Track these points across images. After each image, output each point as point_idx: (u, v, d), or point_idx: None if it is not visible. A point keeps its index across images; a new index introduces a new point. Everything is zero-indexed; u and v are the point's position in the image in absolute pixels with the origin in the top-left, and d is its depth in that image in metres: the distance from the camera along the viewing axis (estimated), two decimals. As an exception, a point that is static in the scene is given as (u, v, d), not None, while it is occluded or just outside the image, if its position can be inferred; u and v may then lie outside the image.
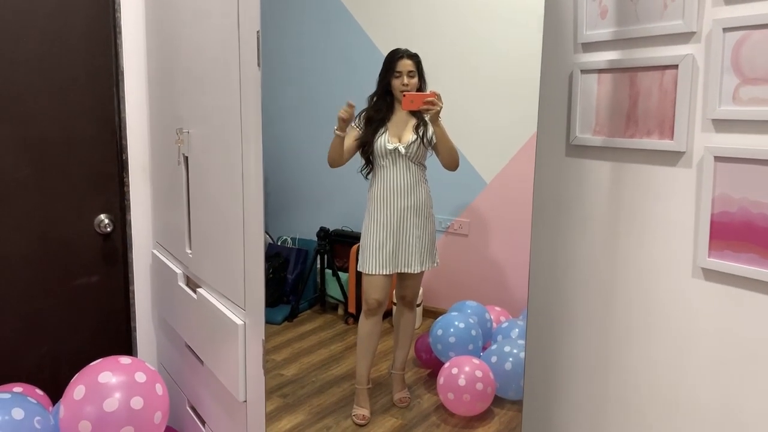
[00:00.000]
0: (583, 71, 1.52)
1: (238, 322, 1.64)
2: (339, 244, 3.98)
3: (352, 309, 3.83)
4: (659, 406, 1.41)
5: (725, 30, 1.24)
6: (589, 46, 1.51)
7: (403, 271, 2.71)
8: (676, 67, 1.33)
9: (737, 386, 1.27)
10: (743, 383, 1.26)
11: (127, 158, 2.28)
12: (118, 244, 2.30)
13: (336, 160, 2.61)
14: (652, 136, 1.39)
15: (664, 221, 1.38)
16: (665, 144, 1.36)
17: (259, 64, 1.46)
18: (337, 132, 2.54)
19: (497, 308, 3.29)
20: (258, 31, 1.45)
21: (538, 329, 1.69)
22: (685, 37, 1.31)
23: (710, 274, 1.30)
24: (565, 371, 1.62)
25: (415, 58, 2.65)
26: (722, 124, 1.26)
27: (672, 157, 1.35)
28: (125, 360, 1.79)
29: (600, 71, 1.49)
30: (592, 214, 1.52)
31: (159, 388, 1.77)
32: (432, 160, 2.73)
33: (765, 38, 1.19)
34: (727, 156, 1.25)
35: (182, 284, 2.06)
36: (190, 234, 1.99)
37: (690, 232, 1.33)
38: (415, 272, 2.72)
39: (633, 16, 1.41)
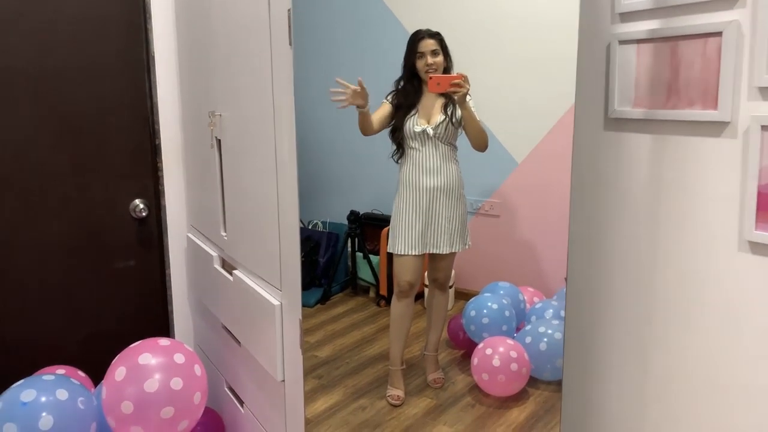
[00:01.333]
0: (621, 42, 1.48)
1: (275, 302, 1.64)
2: (369, 227, 3.98)
3: (383, 291, 3.84)
4: (704, 386, 1.38)
5: (773, -7, 1.20)
6: (627, 16, 1.47)
7: (432, 252, 2.70)
8: (720, 34, 1.29)
9: (786, 362, 1.24)
10: (793, 358, 1.23)
11: (160, 143, 2.30)
12: (153, 229, 2.33)
13: (365, 131, 2.60)
14: (694, 106, 1.35)
15: (708, 194, 1.34)
16: (709, 114, 1.32)
17: (290, 43, 1.45)
18: (359, 110, 2.50)
19: (530, 289, 3.27)
20: (289, 9, 1.44)
21: (577, 308, 1.66)
22: (729, 2, 1.27)
23: (758, 247, 1.26)
24: (605, 350, 1.60)
25: (436, 37, 2.61)
26: (770, 92, 1.22)
27: (716, 128, 1.31)
28: (164, 342, 1.81)
29: (639, 42, 1.45)
30: (633, 188, 1.49)
31: (198, 369, 1.79)
32: (463, 141, 2.70)
33: (815, 1, 1.14)
34: (775, 125, 1.21)
35: (218, 266, 2.08)
36: (225, 217, 2.00)
37: (735, 204, 1.29)
38: (445, 253, 2.70)
39: (674, -17, 1.36)
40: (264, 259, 1.72)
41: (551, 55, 3.20)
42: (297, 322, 1.55)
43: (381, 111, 2.65)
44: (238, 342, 1.95)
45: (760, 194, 1.25)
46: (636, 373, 1.53)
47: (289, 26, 1.45)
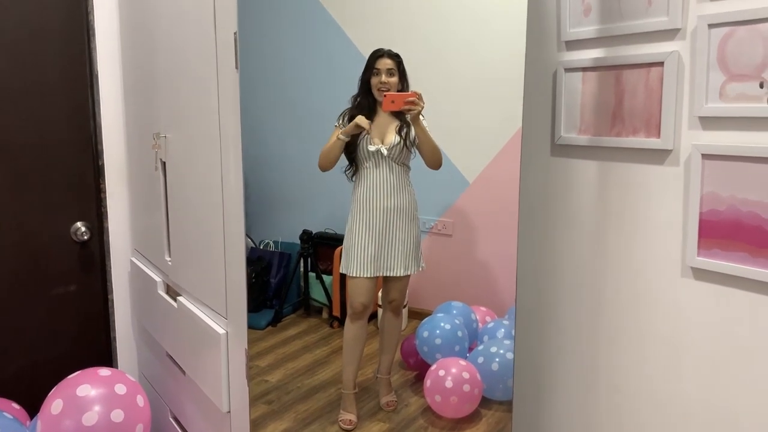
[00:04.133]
0: (567, 70, 1.50)
1: (220, 331, 1.60)
2: (322, 247, 3.93)
3: (336, 312, 3.79)
4: (650, 407, 1.40)
5: (710, 26, 1.23)
6: (573, 44, 1.49)
7: (387, 275, 2.68)
8: (661, 64, 1.31)
9: (728, 386, 1.26)
10: (734, 383, 1.25)
11: (103, 164, 2.23)
12: (95, 252, 2.25)
13: (329, 164, 2.58)
14: (638, 134, 1.37)
15: (652, 220, 1.36)
16: (652, 142, 1.34)
17: (237, 66, 1.43)
18: (341, 137, 2.50)
19: (483, 308, 3.27)
20: (235, 33, 1.42)
21: (526, 330, 1.66)
22: (670, 33, 1.30)
23: (700, 273, 1.29)
24: (555, 372, 1.61)
25: (395, 58, 2.62)
26: (709, 122, 1.25)
27: (659, 156, 1.33)
28: (104, 372, 1.75)
29: (584, 69, 1.47)
30: (580, 214, 1.50)
31: (140, 400, 1.73)
32: (414, 161, 2.70)
33: (750, 34, 1.18)
34: (714, 153, 1.24)
35: (162, 293, 2.01)
36: (170, 241, 1.94)
37: (679, 230, 1.31)
38: (400, 275, 2.69)
39: (617, 13, 1.39)
40: (209, 286, 1.68)
41: (501, 78, 3.24)
42: (243, 351, 1.51)
43: (334, 137, 2.64)
44: (183, 371, 1.88)
45: (701, 221, 1.28)
46: (585, 393, 1.54)
47: (236, 49, 1.43)
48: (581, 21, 1.47)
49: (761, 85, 1.17)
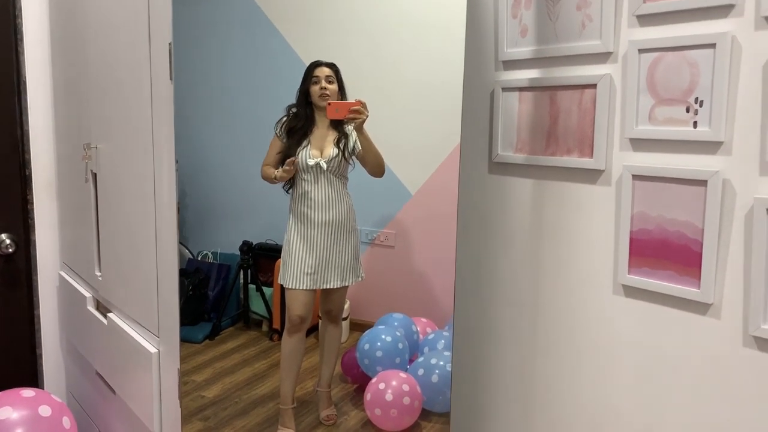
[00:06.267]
0: (505, 89, 1.52)
1: (152, 350, 1.55)
2: (263, 258, 3.88)
3: (276, 325, 3.73)
4: (583, 421, 1.42)
5: (640, 51, 1.26)
6: (510, 64, 1.52)
7: (324, 287, 2.66)
8: (594, 86, 1.35)
9: (657, 401, 1.29)
10: (662, 398, 1.28)
11: (30, 174, 2.13)
12: (21, 266, 2.15)
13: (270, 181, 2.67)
14: (572, 154, 1.40)
15: (585, 238, 1.39)
16: (585, 162, 1.37)
17: (171, 78, 1.39)
18: (278, 175, 2.59)
19: (423, 320, 3.29)
20: (170, 43, 1.38)
21: (464, 345, 1.67)
22: (602, 57, 1.33)
23: (630, 291, 1.32)
24: (492, 387, 1.62)
25: (332, 67, 2.64)
26: (639, 143, 1.28)
27: (592, 175, 1.37)
28: (28, 393, 1.67)
29: (521, 89, 1.49)
30: (515, 230, 1.52)
31: (66, 422, 1.66)
32: (355, 173, 2.69)
33: (678, 60, 1.22)
34: (644, 174, 1.28)
35: (92, 309, 1.94)
36: (100, 255, 1.87)
37: (610, 249, 1.35)
38: (337, 287, 2.67)
39: (552, 35, 1.42)
40: (141, 303, 1.62)
41: (442, 91, 3.27)
42: (176, 371, 1.46)
43: (274, 149, 2.63)
44: (113, 390, 1.82)
45: (632, 240, 1.31)
46: (521, 408, 1.55)
47: (170, 60, 1.39)
48: (518, 41, 1.49)
49: (687, 110, 1.21)
